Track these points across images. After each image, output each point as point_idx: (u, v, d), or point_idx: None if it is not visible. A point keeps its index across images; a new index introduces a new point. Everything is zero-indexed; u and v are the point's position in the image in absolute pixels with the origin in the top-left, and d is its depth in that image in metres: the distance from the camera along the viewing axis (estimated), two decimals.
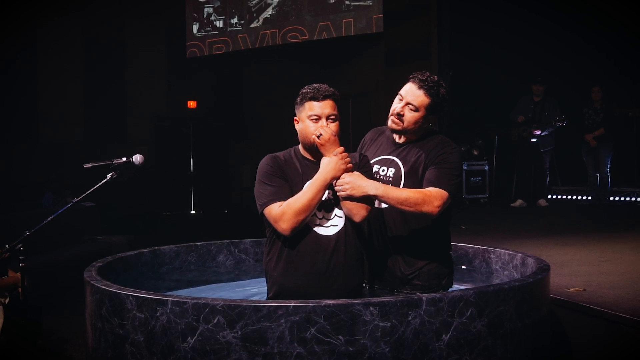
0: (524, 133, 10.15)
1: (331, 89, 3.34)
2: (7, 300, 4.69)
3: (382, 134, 3.75)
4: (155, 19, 13.77)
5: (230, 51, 13.20)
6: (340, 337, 2.70)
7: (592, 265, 5.21)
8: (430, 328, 2.77)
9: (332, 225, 3.34)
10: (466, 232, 7.38)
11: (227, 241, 4.53)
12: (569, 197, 10.77)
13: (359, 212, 3.29)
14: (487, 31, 10.43)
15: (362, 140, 3.86)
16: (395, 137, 3.64)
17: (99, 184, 3.68)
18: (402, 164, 3.54)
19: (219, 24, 13.38)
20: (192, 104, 13.73)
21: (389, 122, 3.57)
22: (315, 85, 3.34)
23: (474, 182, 10.80)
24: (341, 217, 3.36)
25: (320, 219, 3.34)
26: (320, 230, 3.33)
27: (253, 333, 2.71)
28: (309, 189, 3.25)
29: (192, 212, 13.60)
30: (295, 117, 3.42)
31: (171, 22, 13.97)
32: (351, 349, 2.70)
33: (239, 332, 2.72)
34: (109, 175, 3.69)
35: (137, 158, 3.77)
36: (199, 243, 4.45)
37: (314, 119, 3.30)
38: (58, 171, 10.51)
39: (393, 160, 3.59)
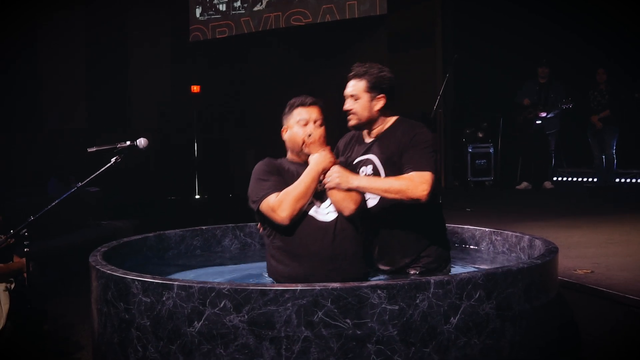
0: (529, 115, 10.10)
1: (317, 99, 3.54)
2: (12, 286, 4.69)
3: (353, 137, 3.79)
4: (158, 5, 13.68)
5: (233, 35, 13.13)
6: (348, 321, 2.68)
7: (599, 247, 5.18)
8: (438, 311, 2.75)
9: (330, 212, 3.39)
10: (472, 214, 7.36)
11: (233, 225, 4.51)
12: (575, 179, 10.73)
13: (348, 205, 3.36)
14: (492, 16, 10.35)
15: (336, 147, 3.86)
16: (365, 136, 3.68)
17: (104, 168, 3.66)
18: (378, 159, 3.55)
19: (222, 7, 13.30)
20: (195, 89, 13.67)
21: (348, 123, 3.64)
22: (301, 96, 3.55)
23: (479, 165, 10.75)
24: None
25: (317, 207, 3.39)
26: (319, 216, 3.37)
27: (260, 317, 2.69)
28: (304, 177, 3.34)
29: (197, 196, 13.57)
30: (283, 128, 3.56)
31: (173, 7, 13.89)
32: (359, 333, 2.68)
33: (246, 316, 2.70)
34: (113, 159, 3.67)
35: (142, 142, 3.75)
36: (204, 227, 4.43)
37: (302, 123, 3.46)
38: (61, 159, 10.49)
39: (368, 158, 3.60)
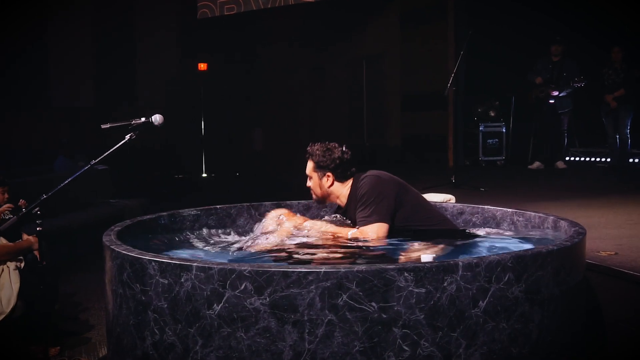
0: (541, 94, 9.96)
1: None
2: (22, 265, 4.62)
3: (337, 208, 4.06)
4: None
5: (242, 12, 12.96)
6: (373, 304, 2.59)
7: (621, 228, 5.08)
8: (466, 294, 2.66)
9: None
10: (486, 195, 7.25)
11: (247, 204, 4.42)
12: (587, 159, 10.60)
13: None
14: None
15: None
16: (338, 202, 3.98)
17: (118, 145, 3.55)
18: (352, 225, 3.81)
19: None
20: (202, 66, 13.56)
21: None
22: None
23: (490, 144, 10.66)
24: None
25: None
26: None
27: (282, 299, 2.60)
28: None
29: (204, 175, 13.50)
30: None
31: None
32: (385, 316, 2.59)
33: (268, 299, 2.61)
34: (127, 136, 3.56)
35: (157, 118, 3.64)
36: (218, 206, 4.34)
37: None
38: (68, 137, 10.39)
39: (348, 223, 3.87)
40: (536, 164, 10.03)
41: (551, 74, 9.93)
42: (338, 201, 3.95)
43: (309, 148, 3.89)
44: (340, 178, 3.87)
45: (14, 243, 4.71)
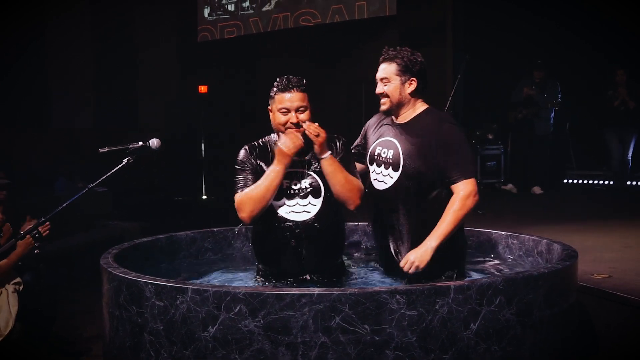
0: (519, 115, 10.03)
1: (301, 80, 3.46)
2: (21, 287, 4.64)
3: (382, 119, 3.75)
4: (166, 5, 13.64)
5: (242, 35, 13.07)
6: (366, 326, 2.62)
7: (615, 252, 5.11)
8: (458, 317, 2.70)
9: (305, 212, 3.42)
10: (484, 218, 7.26)
11: (245, 227, 4.45)
12: (586, 181, 10.62)
13: (354, 200, 3.39)
14: (503, 14, 10.26)
15: (366, 124, 3.88)
16: (393, 119, 3.64)
17: (115, 169, 3.59)
18: (401, 146, 3.52)
19: (231, 7, 13.24)
20: (203, 89, 13.61)
21: (380, 107, 3.63)
22: (285, 77, 3.46)
23: (489, 167, 10.66)
24: (315, 205, 3.43)
25: (292, 206, 3.43)
26: (291, 216, 3.42)
27: (276, 322, 2.64)
28: (265, 178, 3.34)
29: (204, 197, 13.51)
30: (269, 107, 3.52)
31: (182, 7, 13.85)
32: (377, 339, 2.63)
33: (262, 321, 2.65)
34: (125, 160, 3.60)
35: (154, 142, 3.67)
36: (215, 229, 4.37)
37: (283, 111, 3.42)
38: (68, 158, 10.42)
39: (392, 141, 3.58)
40: (535, 187, 10.02)
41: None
42: (400, 117, 3.59)
43: (388, 51, 3.58)
44: (420, 90, 3.57)
45: (7, 258, 4.63)
